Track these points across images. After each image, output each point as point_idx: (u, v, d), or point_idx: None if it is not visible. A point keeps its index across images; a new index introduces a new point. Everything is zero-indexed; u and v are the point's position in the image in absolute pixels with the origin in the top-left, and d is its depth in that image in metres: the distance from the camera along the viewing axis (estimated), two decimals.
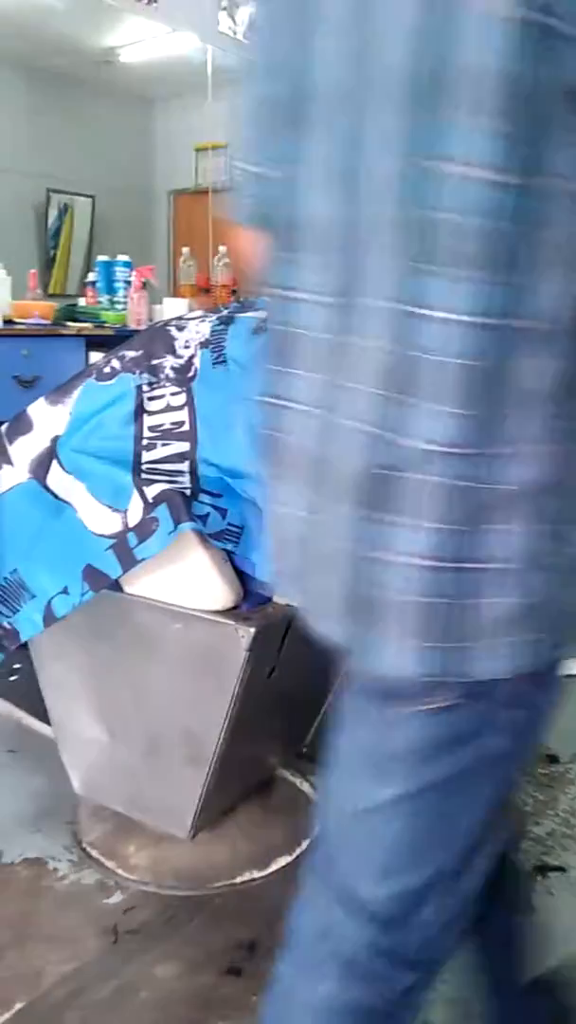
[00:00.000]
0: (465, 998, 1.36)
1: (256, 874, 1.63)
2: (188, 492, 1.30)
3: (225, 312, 1.42)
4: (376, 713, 0.71)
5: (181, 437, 1.35)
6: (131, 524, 1.31)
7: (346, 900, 0.75)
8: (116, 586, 1.37)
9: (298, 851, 1.70)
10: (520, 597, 0.62)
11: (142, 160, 4.07)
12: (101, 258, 3.04)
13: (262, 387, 0.71)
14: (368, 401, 0.61)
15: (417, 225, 0.57)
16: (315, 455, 0.66)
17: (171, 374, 1.36)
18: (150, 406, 1.37)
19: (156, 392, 1.37)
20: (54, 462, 1.40)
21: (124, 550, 1.30)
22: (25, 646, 1.49)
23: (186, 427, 1.35)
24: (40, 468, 1.42)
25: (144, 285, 2.75)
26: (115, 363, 1.42)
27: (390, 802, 0.71)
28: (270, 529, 0.76)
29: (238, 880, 1.61)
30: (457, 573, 0.61)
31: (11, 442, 1.45)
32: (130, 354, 1.41)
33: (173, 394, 1.36)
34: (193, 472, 1.34)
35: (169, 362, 1.37)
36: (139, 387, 1.37)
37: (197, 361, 1.35)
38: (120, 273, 2.97)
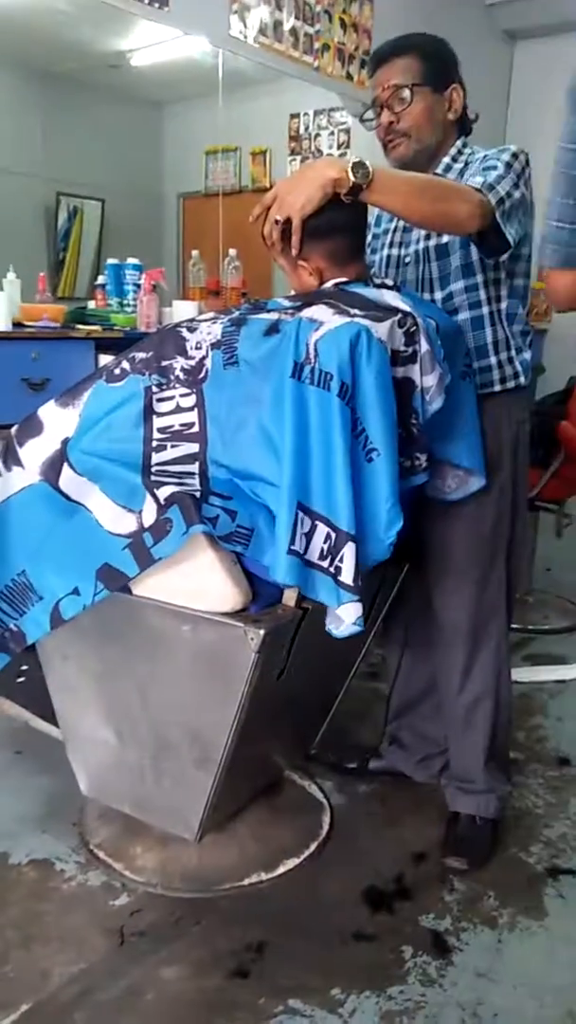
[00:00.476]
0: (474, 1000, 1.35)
1: (264, 876, 1.63)
2: (198, 494, 1.30)
3: (237, 313, 1.42)
4: None
5: (191, 438, 1.35)
6: (146, 524, 1.31)
7: None
8: (125, 588, 1.38)
9: (306, 853, 1.70)
10: None
11: (152, 163, 4.08)
12: (111, 261, 3.04)
13: None
14: None
15: None
16: None
17: (181, 375, 1.36)
18: (159, 407, 1.37)
19: (166, 393, 1.37)
20: (65, 464, 1.41)
21: (141, 549, 1.30)
22: (32, 648, 1.49)
23: (196, 428, 1.35)
24: (51, 470, 1.42)
25: (154, 288, 2.74)
26: (125, 364, 1.42)
27: None
28: None
29: (246, 882, 1.61)
30: None
31: (21, 444, 1.46)
32: (140, 355, 1.41)
33: (183, 395, 1.36)
34: (203, 473, 1.34)
35: (179, 363, 1.37)
36: (148, 388, 1.37)
37: (208, 362, 1.35)
38: (130, 276, 2.96)
